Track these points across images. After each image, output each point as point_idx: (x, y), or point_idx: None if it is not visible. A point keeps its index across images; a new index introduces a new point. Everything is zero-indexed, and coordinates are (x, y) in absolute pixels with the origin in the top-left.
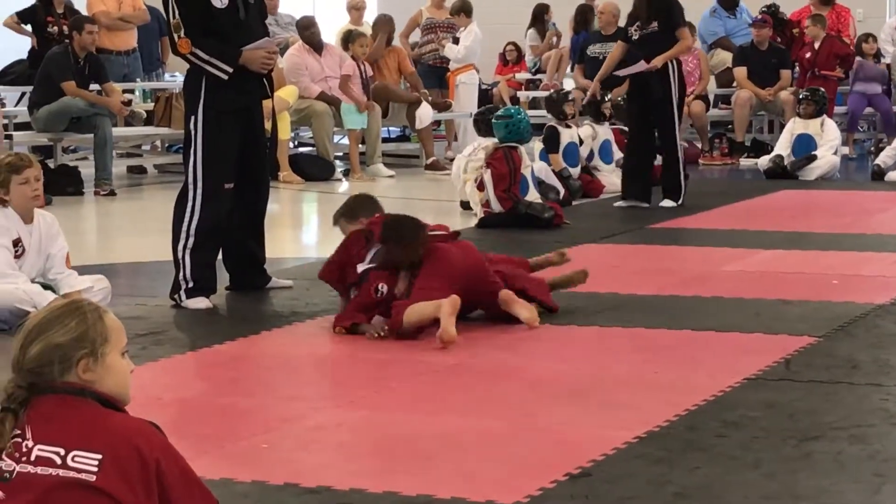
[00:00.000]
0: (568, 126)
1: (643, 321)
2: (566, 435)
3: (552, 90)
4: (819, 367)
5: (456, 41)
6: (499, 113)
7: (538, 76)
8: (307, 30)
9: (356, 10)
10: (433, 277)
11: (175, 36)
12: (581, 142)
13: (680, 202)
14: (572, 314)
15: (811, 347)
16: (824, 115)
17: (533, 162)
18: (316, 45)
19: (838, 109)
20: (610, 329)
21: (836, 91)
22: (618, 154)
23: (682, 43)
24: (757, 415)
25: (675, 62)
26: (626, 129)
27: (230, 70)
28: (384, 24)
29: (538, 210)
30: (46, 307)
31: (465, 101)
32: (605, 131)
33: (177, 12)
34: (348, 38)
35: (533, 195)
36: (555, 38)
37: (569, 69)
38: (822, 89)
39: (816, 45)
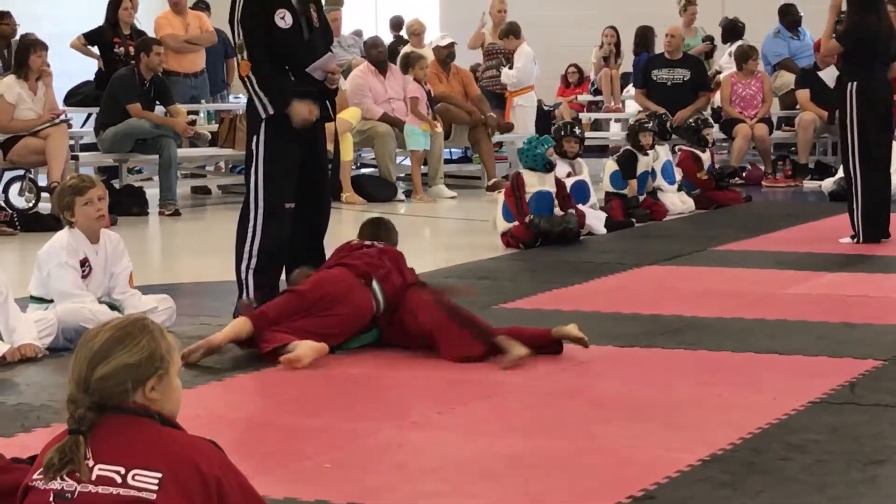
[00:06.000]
0: (646, 154)
1: (706, 343)
2: (630, 457)
3: (634, 120)
4: (884, 391)
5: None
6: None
7: (598, 97)
8: (375, 48)
9: (415, 35)
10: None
11: (239, 57)
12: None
13: (853, 240)
14: (635, 336)
15: (876, 371)
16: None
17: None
18: (381, 65)
19: None
20: (673, 351)
21: None
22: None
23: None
24: (821, 438)
25: (854, 86)
26: (695, 151)
27: (271, 112)
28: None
29: (550, 224)
30: (108, 325)
31: (522, 123)
32: (665, 152)
33: (241, 34)
34: (407, 62)
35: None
36: (612, 55)
37: (625, 91)
38: None
39: None
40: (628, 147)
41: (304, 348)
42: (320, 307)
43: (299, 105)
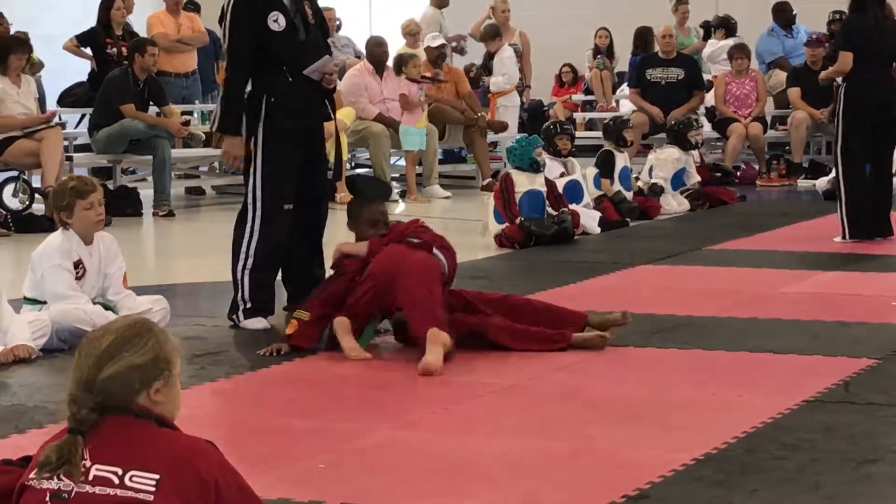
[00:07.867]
0: (621, 151)
1: (701, 343)
2: (624, 456)
3: (611, 117)
4: (878, 390)
5: (489, 70)
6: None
7: (591, 96)
8: (379, 47)
9: (410, 35)
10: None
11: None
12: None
13: (841, 238)
14: (629, 336)
15: (870, 370)
16: None
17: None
18: (381, 65)
19: None
20: (667, 351)
21: None
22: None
23: (838, 65)
24: (816, 437)
25: (843, 88)
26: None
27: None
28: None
29: (540, 227)
30: (113, 326)
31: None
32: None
33: (226, 40)
34: (400, 62)
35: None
36: (605, 59)
37: (619, 91)
38: None
39: None
40: (606, 147)
41: (433, 354)
42: (387, 288)
43: (230, 141)
